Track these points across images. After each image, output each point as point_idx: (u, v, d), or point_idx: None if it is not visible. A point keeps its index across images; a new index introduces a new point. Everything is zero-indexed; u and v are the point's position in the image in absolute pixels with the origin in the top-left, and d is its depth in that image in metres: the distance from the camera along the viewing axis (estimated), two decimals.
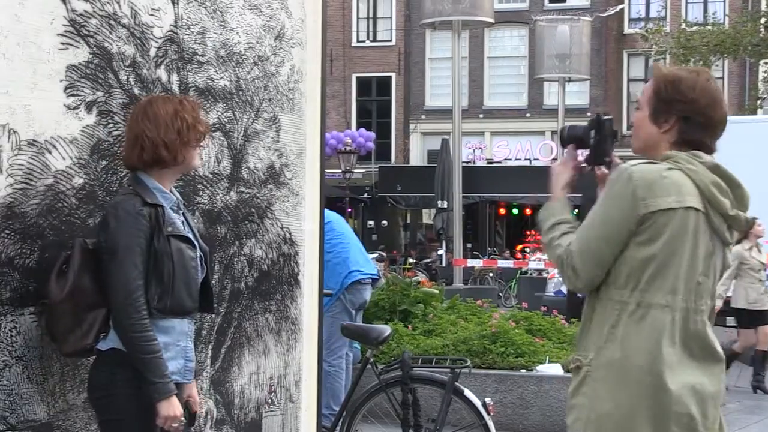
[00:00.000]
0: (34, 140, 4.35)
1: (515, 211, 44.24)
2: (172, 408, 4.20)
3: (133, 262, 4.21)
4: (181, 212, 4.50)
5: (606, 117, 4.12)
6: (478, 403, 7.51)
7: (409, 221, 47.10)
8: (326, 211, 9.32)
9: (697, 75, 3.88)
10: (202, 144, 4.50)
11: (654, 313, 3.74)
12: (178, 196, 4.53)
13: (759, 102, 33.51)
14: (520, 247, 36.75)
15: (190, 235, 4.48)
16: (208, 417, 5.36)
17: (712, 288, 3.86)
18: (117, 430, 4.33)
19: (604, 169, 4.08)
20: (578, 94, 41.87)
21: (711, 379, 3.84)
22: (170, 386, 4.22)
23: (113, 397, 4.28)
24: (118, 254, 4.21)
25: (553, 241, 3.91)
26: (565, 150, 4.18)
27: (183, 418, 4.26)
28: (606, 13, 41.37)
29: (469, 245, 38.89)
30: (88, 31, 4.61)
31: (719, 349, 3.88)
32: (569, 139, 4.16)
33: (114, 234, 4.23)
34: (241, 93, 5.51)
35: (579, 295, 4.18)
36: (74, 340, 4.25)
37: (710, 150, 3.89)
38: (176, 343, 4.38)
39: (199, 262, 4.45)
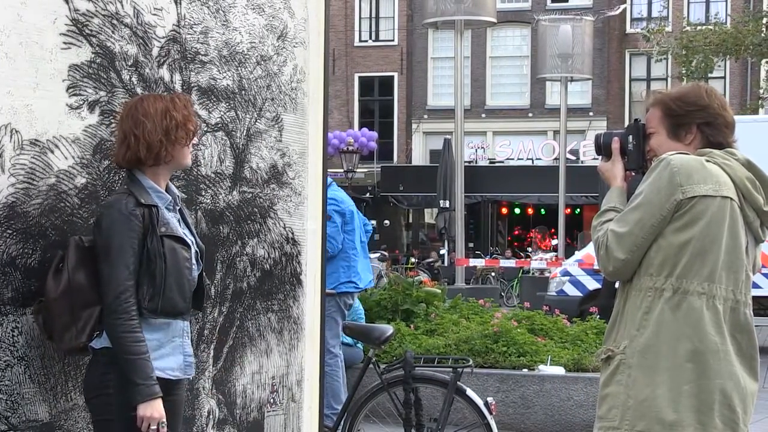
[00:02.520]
0: (36, 140, 4.35)
1: (517, 210, 44.28)
2: (151, 410, 4.17)
3: (125, 262, 4.20)
4: (177, 208, 4.50)
5: (642, 122, 4.15)
6: (480, 402, 7.50)
7: (411, 221, 47.12)
8: (352, 205, 9.46)
9: (698, 86, 4.03)
10: (194, 142, 4.47)
11: (691, 300, 3.76)
12: (176, 192, 4.52)
13: (760, 102, 33.49)
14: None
15: (187, 232, 4.48)
16: (211, 417, 5.36)
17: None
18: (109, 430, 4.33)
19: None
20: (580, 94, 41.86)
21: (753, 375, 3.86)
22: (153, 389, 4.19)
23: (105, 397, 4.28)
24: (110, 254, 4.21)
25: (598, 226, 3.97)
26: (601, 157, 4.22)
27: (164, 421, 4.23)
28: (610, 14, 41.34)
29: (471, 245, 38.90)
30: (91, 30, 4.61)
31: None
32: (604, 147, 4.19)
33: (107, 234, 4.23)
34: (243, 92, 5.51)
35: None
36: (69, 337, 4.25)
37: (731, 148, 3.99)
38: (172, 339, 4.38)
39: (194, 261, 4.44)
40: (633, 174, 4.17)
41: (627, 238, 3.81)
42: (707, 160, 3.84)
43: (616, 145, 4.16)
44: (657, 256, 3.80)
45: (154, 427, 4.19)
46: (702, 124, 3.93)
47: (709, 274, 3.77)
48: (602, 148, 4.22)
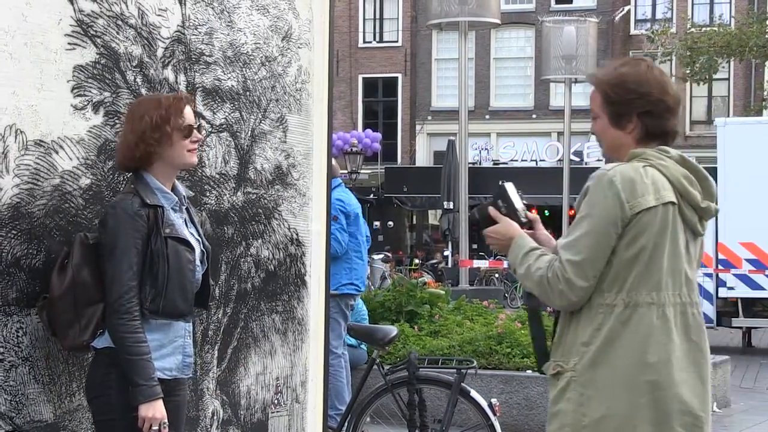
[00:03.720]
0: (41, 140, 4.35)
1: None
2: (152, 410, 4.17)
3: (129, 262, 4.20)
4: (184, 207, 4.49)
5: (505, 183, 4.08)
6: (484, 403, 7.49)
7: (415, 222, 47.11)
8: (358, 208, 9.50)
9: (637, 66, 3.88)
10: (191, 140, 4.40)
11: (641, 312, 3.71)
12: (183, 192, 4.52)
13: (764, 103, 33.48)
14: None
15: (194, 232, 4.48)
16: (215, 417, 5.36)
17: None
18: (110, 430, 4.32)
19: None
20: (584, 95, 41.74)
21: (707, 374, 3.83)
22: (155, 390, 4.19)
23: (107, 398, 4.28)
24: (114, 254, 4.21)
25: (530, 269, 3.83)
26: (484, 232, 4.10)
27: (166, 422, 4.23)
28: (615, 16, 41.33)
29: (475, 246, 38.85)
30: (96, 31, 4.61)
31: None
32: (483, 219, 4.09)
33: (112, 233, 4.23)
34: (248, 93, 5.51)
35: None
36: (73, 335, 4.25)
37: (676, 135, 3.90)
38: (173, 340, 4.38)
39: (198, 262, 4.44)
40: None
41: (587, 264, 3.71)
42: (644, 166, 3.76)
43: (494, 212, 4.05)
44: (608, 273, 3.73)
45: (155, 427, 4.18)
46: (641, 113, 3.82)
47: (656, 282, 3.72)
48: (482, 220, 4.10)
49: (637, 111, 3.82)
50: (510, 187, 4.09)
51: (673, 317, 3.74)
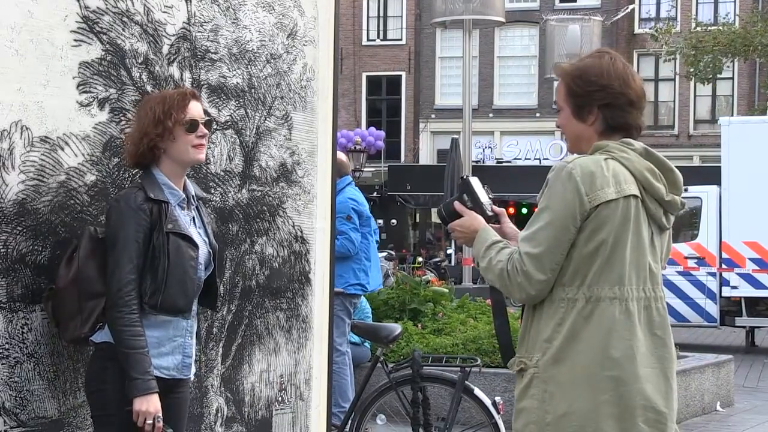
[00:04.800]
0: (46, 137, 4.35)
1: (524, 210, 44.19)
2: (146, 404, 4.17)
3: (129, 256, 4.21)
4: (193, 207, 4.49)
5: (469, 177, 4.05)
6: (487, 401, 7.50)
7: (418, 220, 47.10)
8: (367, 209, 9.52)
9: (600, 59, 3.83)
10: (197, 135, 4.39)
11: (603, 307, 3.66)
12: (193, 191, 4.52)
13: None
14: None
15: (200, 231, 4.47)
16: (219, 415, 5.36)
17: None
18: (106, 426, 4.32)
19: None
20: None
21: (672, 370, 3.80)
22: (150, 384, 4.19)
23: (102, 393, 4.29)
24: (116, 247, 4.22)
25: (491, 261, 3.78)
26: (449, 226, 4.05)
27: (160, 416, 4.23)
28: (617, 16, 41.32)
29: None
30: (101, 27, 4.61)
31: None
32: (449, 214, 4.05)
33: (114, 227, 4.25)
34: (253, 91, 5.51)
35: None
36: (73, 327, 4.26)
37: (639, 128, 3.85)
38: (173, 338, 4.38)
39: (203, 260, 4.43)
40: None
41: (546, 257, 3.66)
42: (605, 159, 3.72)
43: (459, 206, 4.00)
44: (568, 267, 3.68)
45: (150, 421, 4.18)
46: (602, 105, 3.78)
47: (619, 277, 3.67)
48: (448, 216, 4.04)
49: (598, 103, 3.78)
50: (475, 181, 4.05)
51: (636, 312, 3.69)
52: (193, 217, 4.48)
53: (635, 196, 3.71)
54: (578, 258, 3.68)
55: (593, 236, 3.67)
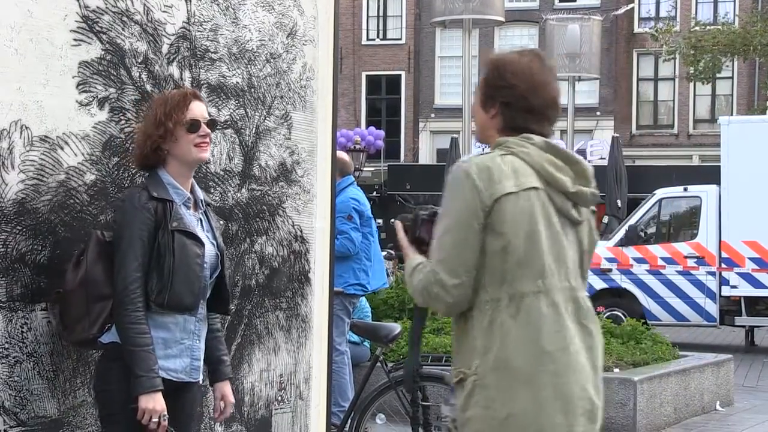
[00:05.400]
0: (46, 136, 4.35)
1: None
2: (152, 402, 4.17)
3: (134, 254, 4.22)
4: (200, 210, 4.50)
5: (394, 221, 3.99)
6: None
7: None
8: (368, 209, 9.52)
9: (521, 57, 3.79)
10: (199, 134, 4.38)
11: (528, 302, 3.60)
12: (200, 194, 4.53)
13: None
14: None
15: (208, 235, 4.47)
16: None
17: (584, 269, 3.77)
18: (112, 425, 4.33)
19: None
20: (588, 93, 41.80)
21: (600, 361, 3.76)
22: (155, 381, 4.19)
23: (108, 393, 4.30)
24: (121, 246, 4.24)
25: (413, 281, 3.72)
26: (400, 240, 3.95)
27: (165, 415, 4.22)
28: (617, 12, 41.31)
29: None
30: (101, 27, 4.61)
31: None
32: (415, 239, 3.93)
33: (119, 226, 4.27)
34: (253, 90, 5.51)
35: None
36: (80, 329, 4.27)
37: (544, 136, 3.76)
38: (180, 340, 4.38)
39: (209, 260, 4.43)
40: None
41: (454, 259, 3.59)
42: (502, 154, 3.66)
43: (402, 238, 3.91)
44: (484, 267, 3.61)
45: (155, 419, 4.18)
46: (503, 103, 3.73)
47: (540, 270, 3.61)
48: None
49: (501, 100, 3.73)
50: (398, 227, 3.94)
51: (563, 303, 3.64)
52: (201, 219, 4.48)
53: (536, 188, 3.64)
54: (491, 256, 3.61)
55: (499, 230, 3.60)
